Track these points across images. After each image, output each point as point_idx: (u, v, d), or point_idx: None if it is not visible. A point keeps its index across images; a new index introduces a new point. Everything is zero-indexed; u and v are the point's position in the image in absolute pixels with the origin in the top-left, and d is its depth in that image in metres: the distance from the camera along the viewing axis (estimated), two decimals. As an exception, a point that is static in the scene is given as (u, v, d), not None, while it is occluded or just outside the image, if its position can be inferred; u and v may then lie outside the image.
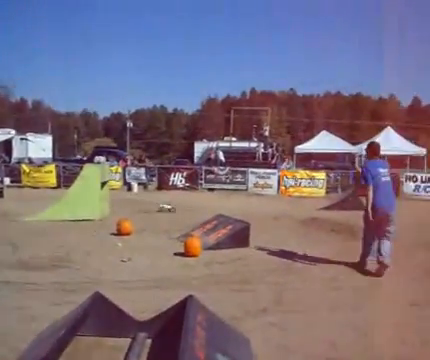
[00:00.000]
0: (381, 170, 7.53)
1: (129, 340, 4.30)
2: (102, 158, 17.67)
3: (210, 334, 3.82)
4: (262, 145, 29.24)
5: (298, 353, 4.29)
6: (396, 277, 7.09)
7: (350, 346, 4.50)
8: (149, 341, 4.34)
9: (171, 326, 4.16)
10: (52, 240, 9.28)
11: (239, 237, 8.97)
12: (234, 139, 33.13)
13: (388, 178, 7.60)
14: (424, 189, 21.81)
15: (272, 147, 30.27)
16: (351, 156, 34.45)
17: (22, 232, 10.06)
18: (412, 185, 22.00)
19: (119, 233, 9.80)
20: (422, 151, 31.51)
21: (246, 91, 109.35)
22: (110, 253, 8.22)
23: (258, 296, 5.99)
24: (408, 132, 42.15)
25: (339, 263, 7.90)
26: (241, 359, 3.88)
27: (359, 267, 7.57)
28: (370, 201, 7.31)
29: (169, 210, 13.04)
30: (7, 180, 22.57)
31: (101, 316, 4.34)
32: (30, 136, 30.96)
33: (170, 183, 22.94)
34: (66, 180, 21.68)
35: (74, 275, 6.81)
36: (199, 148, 32.56)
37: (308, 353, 4.29)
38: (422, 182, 21.96)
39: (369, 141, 9.02)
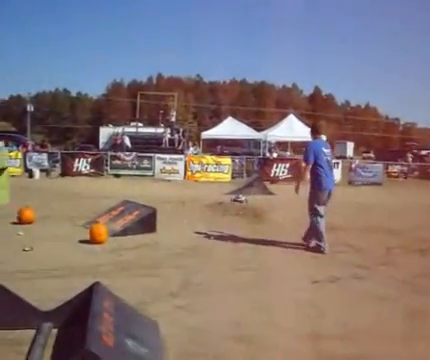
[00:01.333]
0: (324, 150, 7.91)
1: (34, 331, 4.16)
2: (0, 143, 16.67)
3: (118, 320, 3.79)
4: (169, 131, 29.26)
5: (206, 333, 4.39)
6: (299, 258, 7.47)
7: (255, 324, 4.68)
8: (55, 331, 4.22)
9: (78, 314, 4.07)
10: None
11: (146, 223, 8.94)
12: (140, 124, 32.82)
13: (330, 158, 8.12)
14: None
15: (179, 133, 30.41)
16: (256, 142, 35.52)
17: None
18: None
19: (20, 221, 9.34)
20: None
21: (153, 76, 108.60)
22: (11, 242, 7.82)
23: (166, 280, 6.02)
24: (310, 119, 44.19)
25: (244, 245, 8.17)
26: (150, 342, 3.90)
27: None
28: (304, 178, 8.09)
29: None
30: None
31: (2, 308, 4.14)
32: None
33: (74, 169, 22.28)
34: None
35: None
36: (104, 133, 31.87)
37: (215, 333, 4.40)
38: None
39: (313, 122, 9.46)
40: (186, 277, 6.18)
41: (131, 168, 22.68)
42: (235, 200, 13.44)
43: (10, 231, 8.76)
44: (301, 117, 38.01)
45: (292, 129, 31.35)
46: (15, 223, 9.35)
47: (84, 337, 3.20)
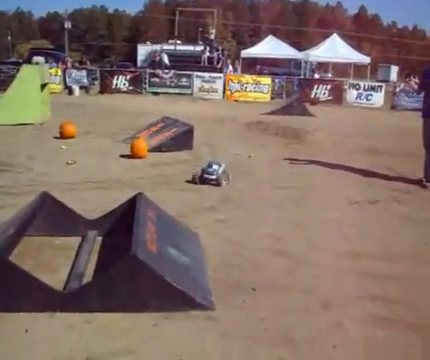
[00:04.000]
0: None
1: (79, 239, 4.33)
2: (41, 59, 16.64)
3: (160, 229, 3.89)
4: (208, 49, 28.67)
5: (245, 246, 4.46)
6: (338, 179, 7.40)
7: (293, 240, 4.72)
8: (100, 239, 4.38)
9: (121, 223, 4.19)
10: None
11: (183, 139, 8.98)
12: (179, 42, 32.26)
13: None
14: (366, 97, 22.36)
15: (218, 51, 29.77)
16: (296, 62, 34.56)
17: None
18: (355, 93, 22.47)
19: (62, 136, 9.55)
20: (366, 59, 31.92)
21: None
22: (54, 156, 8.05)
23: (205, 195, 6.10)
24: (354, 40, 42.37)
25: (283, 164, 8.14)
26: (191, 252, 4.00)
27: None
28: None
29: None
30: None
31: (50, 215, 4.30)
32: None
33: (113, 86, 22.30)
34: (2, 84, 20.55)
35: (18, 178, 6.66)
36: (142, 51, 31.57)
37: (254, 246, 4.47)
38: (364, 90, 22.47)
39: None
40: (225, 193, 6.24)
41: (169, 86, 22.54)
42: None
43: (53, 145, 8.98)
44: (345, 38, 36.45)
45: (335, 50, 30.23)
46: (57, 138, 9.56)
47: (129, 244, 3.31)
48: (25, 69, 12.57)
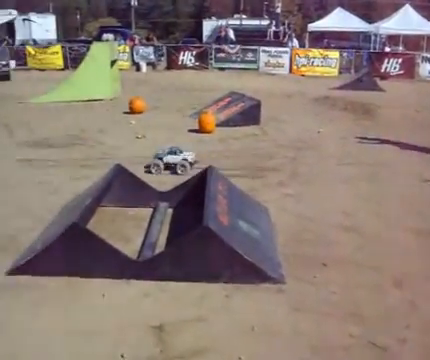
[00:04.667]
0: None
1: (151, 210, 4.44)
2: (111, 36, 16.99)
3: (231, 202, 3.92)
4: (274, 23, 28.24)
5: (315, 221, 4.41)
6: (409, 156, 7.11)
7: (363, 215, 4.62)
8: (170, 210, 4.47)
9: (192, 195, 4.26)
10: (65, 120, 9.34)
11: (251, 114, 8.94)
12: (244, 17, 31.97)
13: None
14: (440, 71, 21.19)
15: (284, 25, 29.25)
16: (366, 36, 33.28)
17: (34, 113, 10.09)
18: (428, 67, 21.37)
19: (132, 111, 9.78)
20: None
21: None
22: (124, 130, 8.27)
23: (274, 170, 6.06)
24: (426, 12, 40.09)
25: (353, 140, 7.92)
26: (261, 225, 4.00)
27: None
28: None
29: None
30: (12, 63, 22.12)
31: (123, 187, 4.44)
32: (33, 16, 29.97)
33: (179, 62, 22.42)
34: (73, 61, 21.23)
35: (90, 152, 6.92)
36: (208, 27, 31.59)
37: (324, 222, 4.41)
38: (438, 64, 21.29)
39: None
40: (294, 168, 6.18)
41: (235, 61, 22.37)
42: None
43: (123, 120, 9.22)
44: (418, 8, 34.61)
45: (408, 21, 28.77)
46: (127, 113, 9.79)
47: (200, 215, 3.35)
48: (95, 47, 12.92)
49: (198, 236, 3.24)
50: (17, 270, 3.34)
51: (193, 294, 3.14)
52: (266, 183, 5.50)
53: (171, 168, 5.91)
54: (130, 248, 3.67)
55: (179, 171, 5.83)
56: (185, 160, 5.92)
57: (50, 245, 3.31)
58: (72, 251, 3.28)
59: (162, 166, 5.90)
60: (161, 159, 5.97)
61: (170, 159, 5.96)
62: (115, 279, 3.26)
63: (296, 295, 3.16)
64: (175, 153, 6.03)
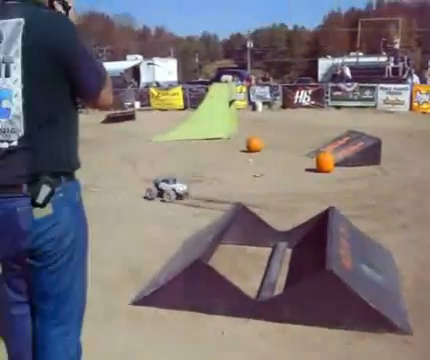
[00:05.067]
0: None
1: (270, 249, 4.44)
2: (229, 77, 17.61)
3: (353, 245, 3.79)
4: (392, 59, 27.27)
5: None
6: None
7: None
8: (289, 250, 4.43)
9: (313, 236, 4.18)
10: (185, 157, 9.75)
11: (370, 154, 8.64)
12: (361, 54, 31.30)
13: None
14: None
15: (403, 61, 28.12)
16: None
17: (157, 150, 10.66)
18: None
19: (249, 150, 9.96)
20: None
21: (372, 2, 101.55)
22: (242, 169, 8.42)
23: (396, 212, 5.78)
24: None
25: None
26: (384, 270, 3.81)
27: None
28: None
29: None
30: (137, 104, 23.70)
31: (244, 226, 4.50)
32: (156, 60, 32.01)
33: (295, 101, 22.48)
34: (192, 102, 22.27)
35: (209, 189, 7.11)
36: (323, 65, 31.38)
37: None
38: None
39: None
40: (418, 211, 5.83)
41: (352, 99, 21.89)
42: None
43: (241, 159, 9.40)
44: None
45: None
46: (244, 151, 9.98)
47: (322, 258, 3.28)
48: (215, 87, 13.45)
49: (320, 280, 3.16)
50: (141, 301, 3.49)
51: (313, 339, 3.06)
52: (388, 226, 5.25)
53: (161, 195, 6.43)
54: (249, 287, 3.68)
55: (165, 198, 6.36)
56: (173, 190, 6.37)
57: (173, 279, 3.43)
58: (194, 286, 3.36)
59: (155, 192, 6.46)
60: (157, 185, 6.48)
61: (162, 186, 6.45)
62: (234, 317, 3.28)
63: (424, 347, 2.94)
64: (168, 182, 6.51)
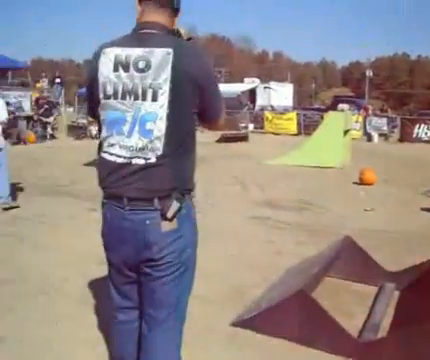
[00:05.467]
0: None
1: (376, 288, 4.27)
2: (346, 106, 17.28)
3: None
4: None
5: None
6: None
7: None
8: (397, 293, 4.23)
9: (424, 281, 3.95)
10: (296, 183, 9.74)
11: None
12: None
13: None
14: None
15: None
16: None
17: (267, 174, 10.75)
18: None
19: (361, 182, 9.68)
20: None
21: None
22: (353, 201, 8.20)
23: None
24: None
25: None
26: None
27: None
28: None
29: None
30: (251, 126, 24.10)
31: (351, 261, 4.38)
32: (272, 84, 32.30)
33: (414, 135, 21.38)
34: (306, 128, 22.17)
35: (318, 218, 7.02)
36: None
37: None
38: None
39: None
40: None
41: None
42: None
43: (352, 190, 9.17)
44: None
45: None
46: (356, 183, 9.71)
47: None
48: (331, 115, 13.28)
49: (430, 329, 2.99)
50: (240, 323, 3.54)
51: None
52: None
53: None
54: (352, 325, 3.56)
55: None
56: None
57: (275, 306, 3.43)
58: (295, 317, 3.34)
59: None
60: None
61: None
62: (333, 354, 3.20)
63: None
64: None
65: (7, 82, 24.31)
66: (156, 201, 1.94)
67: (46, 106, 20.48)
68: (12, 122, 17.59)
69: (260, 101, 31.01)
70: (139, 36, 1.99)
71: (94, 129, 19.90)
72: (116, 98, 1.95)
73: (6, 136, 16.66)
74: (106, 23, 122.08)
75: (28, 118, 20.08)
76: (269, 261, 5.02)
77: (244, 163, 12.49)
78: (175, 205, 1.95)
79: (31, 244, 5.64)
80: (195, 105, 1.99)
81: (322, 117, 18.42)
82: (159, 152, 1.93)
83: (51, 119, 20.36)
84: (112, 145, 1.99)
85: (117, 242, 2.04)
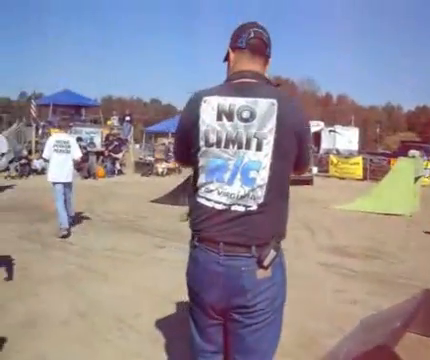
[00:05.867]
0: None
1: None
2: (417, 152, 16.78)
3: None
4: None
5: None
6: None
7: None
8: None
9: None
10: (364, 230, 9.48)
11: None
12: None
13: None
14: None
15: None
16: None
17: (334, 219, 10.54)
18: None
19: (436, 231, 9.26)
20: None
21: None
22: (425, 251, 7.84)
23: None
24: None
25: None
26: None
27: None
28: None
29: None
30: (315, 169, 23.81)
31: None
32: (338, 128, 31.94)
33: None
34: (372, 173, 21.62)
35: (388, 267, 6.76)
36: None
37: None
38: None
39: None
40: None
41: None
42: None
43: (424, 240, 8.76)
44: None
45: None
46: (428, 232, 9.30)
47: None
48: (401, 161, 12.91)
49: None
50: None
51: None
52: None
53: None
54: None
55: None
56: None
57: (355, 358, 3.30)
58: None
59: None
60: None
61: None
62: None
63: None
64: None
65: (81, 119, 25.55)
66: (254, 248, 1.94)
67: (116, 143, 21.30)
68: (84, 157, 18.44)
69: (325, 144, 30.66)
70: (239, 86, 2.02)
71: (160, 167, 20.50)
72: (219, 146, 1.98)
73: (77, 170, 17.59)
74: (168, 66, 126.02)
75: (98, 153, 20.93)
76: (342, 310, 4.88)
77: (310, 207, 12.31)
78: (272, 254, 1.96)
79: (102, 277, 5.78)
80: (294, 154, 2.02)
81: (389, 162, 17.95)
82: (260, 200, 1.94)
83: (120, 155, 21.13)
84: (210, 191, 2.01)
85: (208, 285, 2.03)
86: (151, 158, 22.16)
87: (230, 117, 1.96)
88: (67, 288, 5.34)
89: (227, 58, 2.18)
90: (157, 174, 20.40)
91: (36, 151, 19.60)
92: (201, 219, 2.03)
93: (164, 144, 26.19)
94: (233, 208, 1.96)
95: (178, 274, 5.86)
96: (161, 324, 4.30)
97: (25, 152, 19.38)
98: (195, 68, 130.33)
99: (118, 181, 18.23)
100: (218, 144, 1.98)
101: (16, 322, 4.30)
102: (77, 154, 8.26)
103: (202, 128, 1.99)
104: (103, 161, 20.59)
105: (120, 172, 20.58)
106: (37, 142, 20.59)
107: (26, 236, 7.94)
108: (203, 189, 2.03)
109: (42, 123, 23.00)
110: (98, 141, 22.56)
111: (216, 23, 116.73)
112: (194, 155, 2.06)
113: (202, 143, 2.00)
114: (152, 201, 11.64)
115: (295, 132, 1.97)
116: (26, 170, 17.87)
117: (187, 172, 19.83)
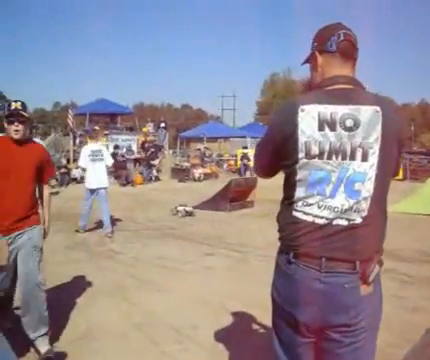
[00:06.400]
0: None
1: None
2: None
3: None
4: None
5: None
6: None
7: None
8: None
9: None
10: (413, 233, 9.26)
11: None
12: None
13: None
14: None
15: None
16: None
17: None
18: None
19: None
20: None
21: None
22: None
23: None
24: None
25: None
26: None
27: None
28: None
29: None
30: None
31: None
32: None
33: None
34: (412, 173, 21.15)
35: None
36: None
37: None
38: None
39: None
40: None
41: None
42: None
43: None
44: None
45: None
46: None
47: None
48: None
49: None
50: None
51: None
52: None
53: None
54: None
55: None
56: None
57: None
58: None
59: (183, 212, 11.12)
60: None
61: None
62: None
63: None
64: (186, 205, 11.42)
65: (117, 126, 25.84)
66: (358, 264, 1.84)
67: (152, 149, 21.41)
68: (122, 164, 18.60)
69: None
70: (337, 92, 1.90)
71: (197, 172, 20.45)
72: (322, 158, 1.85)
73: (115, 177, 17.75)
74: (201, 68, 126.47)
75: (135, 160, 21.09)
76: (405, 319, 4.70)
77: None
78: (376, 269, 1.86)
79: (153, 287, 5.74)
80: (396, 163, 1.94)
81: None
82: (364, 213, 1.84)
83: (157, 161, 21.22)
84: (310, 205, 1.89)
85: (305, 304, 1.90)
86: (187, 164, 22.19)
87: (333, 126, 1.84)
88: (121, 299, 5.31)
89: (309, 61, 2.07)
90: (194, 179, 20.41)
91: (74, 160, 19.85)
92: (298, 234, 1.91)
93: (199, 149, 26.22)
94: (335, 222, 1.85)
95: (228, 282, 5.85)
96: (221, 337, 4.19)
97: (64, 161, 19.67)
98: (225, 72, 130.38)
99: (156, 188, 18.27)
100: (321, 155, 1.85)
101: (76, 336, 4.28)
102: (109, 161, 9.52)
103: (302, 139, 1.85)
104: (140, 167, 20.78)
105: (157, 178, 20.65)
106: (75, 151, 20.86)
107: (73, 246, 8.00)
108: (301, 203, 1.91)
109: (79, 132, 23.37)
110: (135, 148, 22.77)
111: (245, 29, 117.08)
112: (289, 167, 1.93)
113: (302, 155, 1.86)
114: (193, 207, 11.59)
115: (398, 141, 1.88)
116: (66, 179, 18.09)
117: (224, 177, 19.84)
